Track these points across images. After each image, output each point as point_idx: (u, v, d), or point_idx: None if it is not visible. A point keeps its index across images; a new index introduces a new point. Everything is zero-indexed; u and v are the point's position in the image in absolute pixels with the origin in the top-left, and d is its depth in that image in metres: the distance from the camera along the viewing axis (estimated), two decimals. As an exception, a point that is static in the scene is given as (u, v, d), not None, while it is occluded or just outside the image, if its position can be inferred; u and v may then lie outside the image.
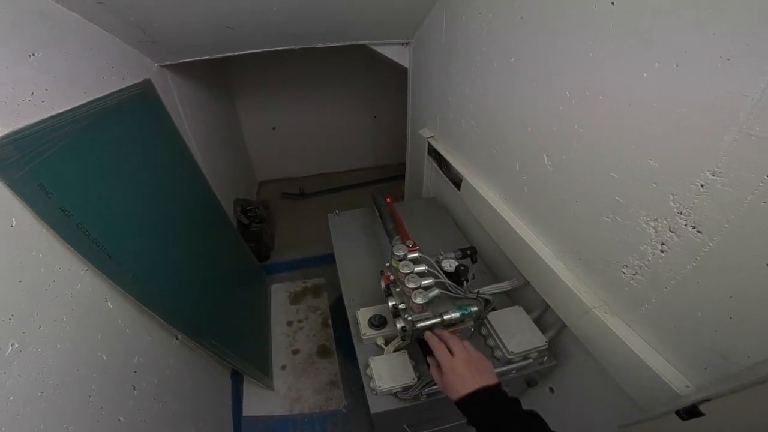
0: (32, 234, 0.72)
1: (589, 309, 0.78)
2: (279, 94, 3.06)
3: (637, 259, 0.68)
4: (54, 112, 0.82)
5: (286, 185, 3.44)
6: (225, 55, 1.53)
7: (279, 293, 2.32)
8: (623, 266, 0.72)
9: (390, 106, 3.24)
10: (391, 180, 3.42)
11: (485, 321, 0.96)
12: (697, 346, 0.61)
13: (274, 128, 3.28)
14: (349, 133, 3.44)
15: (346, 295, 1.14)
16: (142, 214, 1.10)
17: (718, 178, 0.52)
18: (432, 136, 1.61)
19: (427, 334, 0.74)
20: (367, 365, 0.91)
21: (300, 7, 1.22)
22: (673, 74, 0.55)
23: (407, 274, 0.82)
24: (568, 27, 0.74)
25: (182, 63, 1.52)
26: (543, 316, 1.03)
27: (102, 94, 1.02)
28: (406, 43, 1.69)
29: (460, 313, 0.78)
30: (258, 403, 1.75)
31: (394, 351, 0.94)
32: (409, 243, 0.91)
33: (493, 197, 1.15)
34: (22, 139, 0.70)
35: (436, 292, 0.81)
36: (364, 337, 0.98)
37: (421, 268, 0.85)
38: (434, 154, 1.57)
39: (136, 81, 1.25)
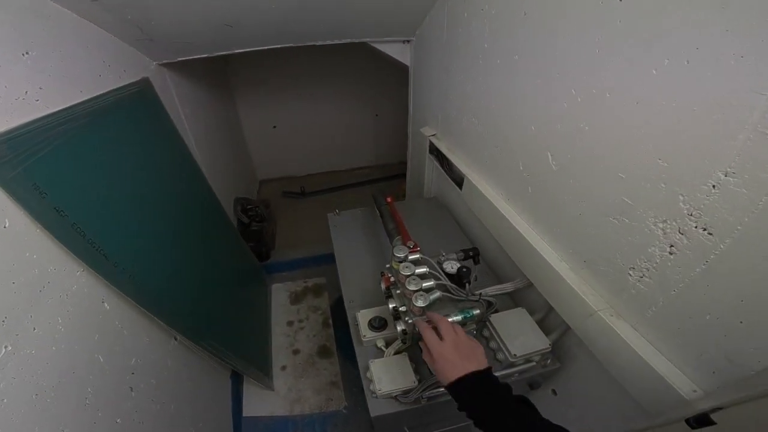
0: (26, 235, 0.71)
1: (594, 311, 0.77)
2: (279, 93, 3.05)
3: (644, 262, 0.67)
4: (49, 111, 0.80)
5: (286, 184, 3.43)
6: (224, 53, 1.51)
7: (279, 293, 2.31)
8: (630, 268, 0.70)
9: (391, 104, 3.22)
10: (392, 179, 3.41)
11: (487, 323, 0.94)
12: (704, 350, 0.59)
13: (274, 127, 3.27)
14: (350, 131, 3.43)
15: (346, 296, 1.13)
16: (140, 214, 1.08)
17: (731, 179, 0.50)
18: (433, 135, 1.59)
19: (416, 320, 0.72)
20: (367, 368, 0.90)
21: (300, 4, 1.20)
22: (683, 71, 0.53)
23: (408, 276, 0.81)
24: (573, 23, 0.72)
25: (181, 61, 1.50)
26: (546, 318, 1.01)
27: (99, 93, 1.01)
28: (408, 41, 1.67)
29: (462, 316, 0.77)
30: (258, 403, 1.74)
31: (395, 353, 0.92)
32: (410, 244, 0.89)
33: (496, 196, 1.13)
34: (15, 138, 0.69)
35: (437, 294, 0.79)
36: (364, 339, 0.97)
37: (422, 269, 0.83)
38: (436, 152, 1.55)
39: (133, 80, 1.23)
